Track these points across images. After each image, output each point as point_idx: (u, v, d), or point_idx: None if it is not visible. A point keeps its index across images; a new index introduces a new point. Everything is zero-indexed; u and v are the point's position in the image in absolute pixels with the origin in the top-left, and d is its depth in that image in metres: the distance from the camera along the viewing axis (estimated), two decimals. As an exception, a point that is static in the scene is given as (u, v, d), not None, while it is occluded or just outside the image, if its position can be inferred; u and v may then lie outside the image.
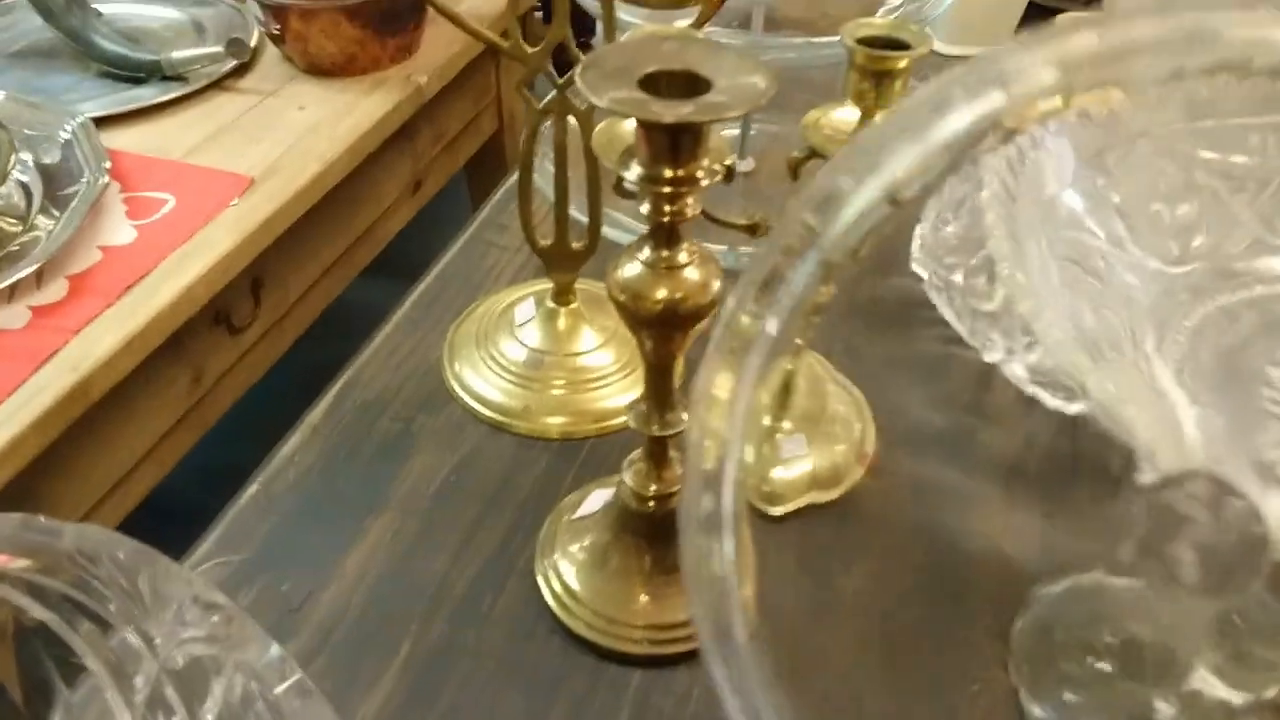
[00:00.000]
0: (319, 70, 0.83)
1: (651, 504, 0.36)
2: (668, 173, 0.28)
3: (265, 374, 0.78)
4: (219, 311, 0.69)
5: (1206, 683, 0.34)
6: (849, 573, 0.41)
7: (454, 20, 0.39)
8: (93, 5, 0.85)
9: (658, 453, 0.36)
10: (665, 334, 0.31)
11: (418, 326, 0.53)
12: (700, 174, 0.28)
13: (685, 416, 0.34)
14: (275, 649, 0.27)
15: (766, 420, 0.45)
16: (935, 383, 0.48)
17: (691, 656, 0.36)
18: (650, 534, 0.37)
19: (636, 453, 0.37)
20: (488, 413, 0.47)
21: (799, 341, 0.45)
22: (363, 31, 0.81)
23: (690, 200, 0.29)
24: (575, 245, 0.46)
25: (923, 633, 0.39)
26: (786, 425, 0.44)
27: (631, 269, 0.31)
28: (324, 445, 0.46)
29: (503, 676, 0.37)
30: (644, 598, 0.37)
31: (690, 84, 0.27)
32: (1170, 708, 0.35)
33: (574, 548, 0.39)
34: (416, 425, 0.47)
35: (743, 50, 0.28)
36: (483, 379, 0.48)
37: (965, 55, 0.79)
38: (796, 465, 0.43)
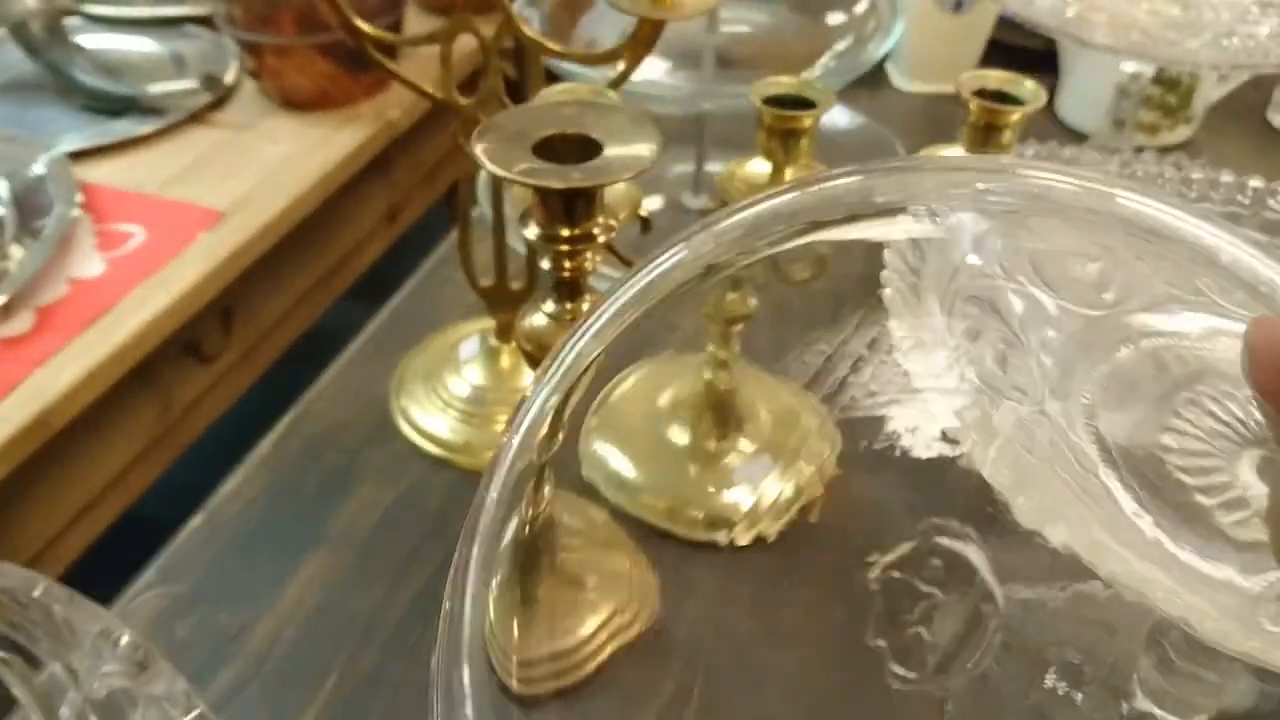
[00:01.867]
0: (294, 105, 0.84)
1: (532, 529, 0.37)
2: (564, 232, 0.30)
3: (243, 400, 0.80)
4: (189, 341, 0.70)
5: (1145, 703, 0.35)
6: (799, 598, 0.41)
7: (384, 69, 0.41)
8: (74, 39, 0.87)
9: (539, 476, 0.36)
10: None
11: (370, 361, 0.55)
12: (596, 230, 0.30)
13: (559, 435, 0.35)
14: (181, 683, 0.28)
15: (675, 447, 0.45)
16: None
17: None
18: (520, 565, 0.38)
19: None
20: (431, 447, 0.48)
21: (723, 355, 0.45)
22: (336, 67, 0.83)
23: (589, 255, 0.31)
24: (514, 285, 0.48)
25: (870, 660, 0.39)
26: (745, 446, 0.44)
27: (537, 320, 0.32)
28: (270, 477, 0.47)
29: (426, 708, 0.38)
30: (516, 632, 0.37)
31: (585, 146, 0.29)
32: None
33: (492, 581, 0.40)
34: (361, 459, 0.48)
35: (636, 116, 0.29)
36: (427, 413, 0.49)
37: (927, 93, 0.80)
38: (763, 490, 0.42)
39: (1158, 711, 0.32)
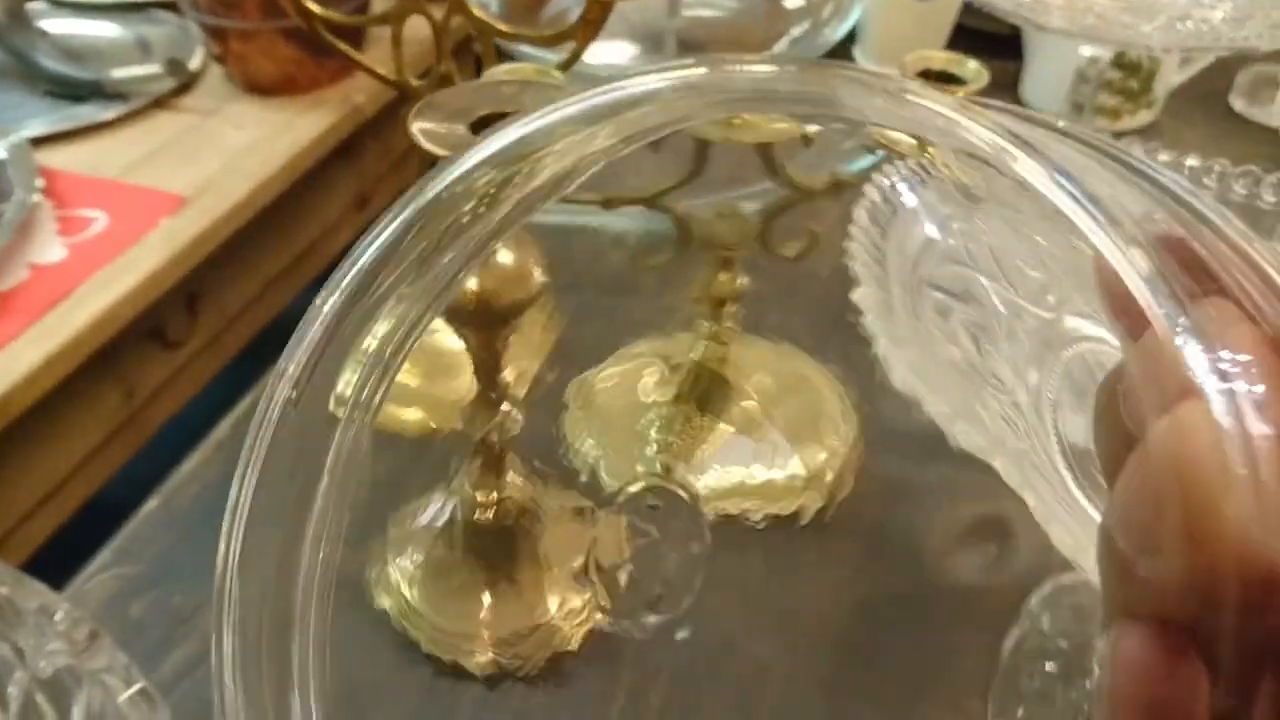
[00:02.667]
0: (259, 90, 0.84)
1: (488, 512, 0.38)
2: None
3: (209, 388, 0.80)
4: (153, 328, 0.70)
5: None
6: (820, 582, 0.39)
7: (338, 50, 0.41)
8: (38, 24, 0.86)
9: (488, 456, 0.37)
10: (484, 330, 0.32)
11: (331, 344, 0.54)
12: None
13: (519, 417, 0.35)
14: (121, 658, 0.28)
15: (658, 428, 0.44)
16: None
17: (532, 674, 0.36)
18: (487, 543, 0.38)
19: (468, 457, 0.37)
20: (393, 424, 0.48)
21: (718, 327, 0.44)
22: (300, 52, 0.82)
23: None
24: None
25: (897, 650, 0.36)
26: (724, 427, 0.43)
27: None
28: (226, 461, 0.47)
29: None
30: (485, 610, 0.38)
31: (523, 125, 0.29)
32: None
33: (414, 557, 0.39)
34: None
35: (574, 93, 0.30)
36: (353, 374, 0.49)
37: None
38: (777, 470, 0.41)
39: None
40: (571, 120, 0.19)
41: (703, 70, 0.18)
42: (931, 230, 0.41)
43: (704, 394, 0.44)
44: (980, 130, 0.15)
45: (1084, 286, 0.39)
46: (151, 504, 0.45)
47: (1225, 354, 0.12)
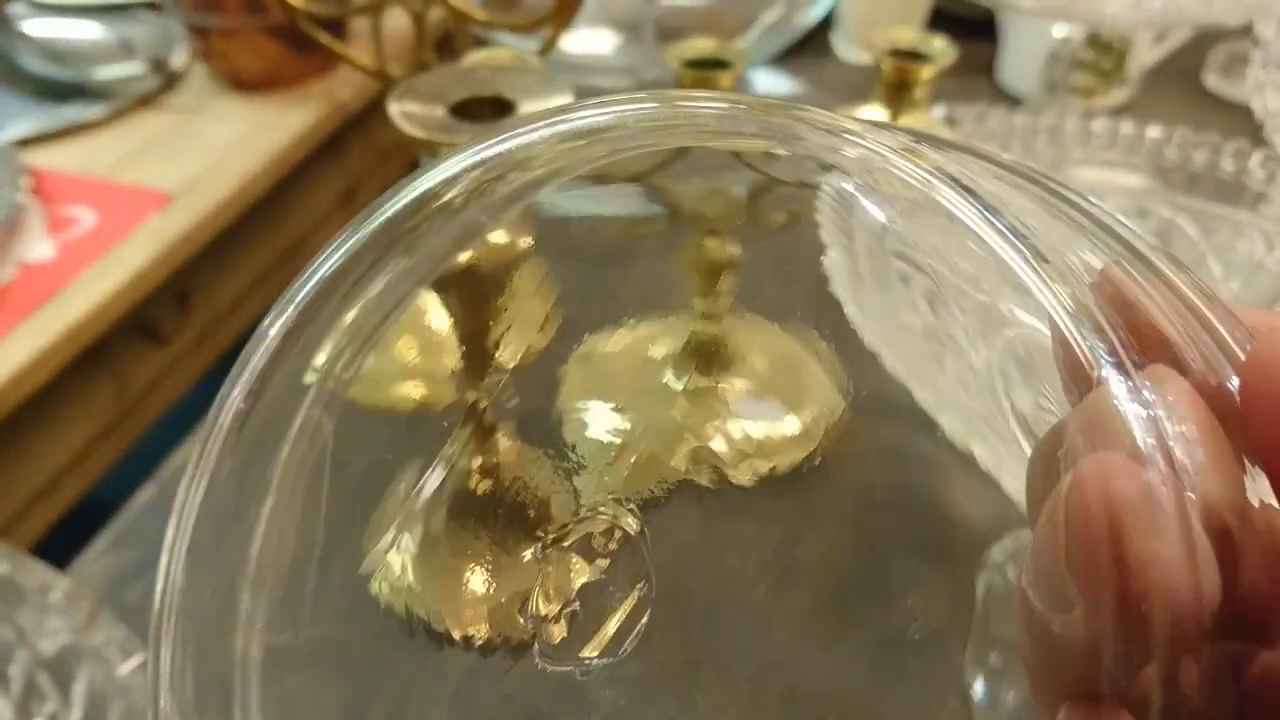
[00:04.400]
0: (243, 87, 0.85)
1: (481, 481, 0.38)
2: (482, 187, 0.31)
3: (201, 384, 0.80)
4: (143, 324, 0.71)
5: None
6: (809, 538, 0.41)
7: (319, 42, 0.41)
8: (19, 26, 0.86)
9: (478, 427, 0.37)
10: (470, 298, 0.33)
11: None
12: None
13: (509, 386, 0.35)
14: (121, 632, 0.29)
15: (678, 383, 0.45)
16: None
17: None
18: (483, 512, 0.39)
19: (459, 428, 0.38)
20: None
21: (708, 306, 0.46)
22: (283, 48, 0.83)
23: (510, 213, 0.32)
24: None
25: (874, 595, 0.39)
26: (739, 384, 0.45)
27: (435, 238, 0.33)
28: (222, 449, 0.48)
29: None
30: (478, 581, 0.38)
31: (500, 107, 0.30)
32: None
33: (409, 530, 0.40)
34: (310, 428, 0.49)
35: (547, 75, 0.30)
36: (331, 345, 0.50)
37: (869, 62, 0.81)
38: (765, 428, 0.43)
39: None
40: (547, 141, 0.19)
41: (654, 105, 0.19)
42: (881, 217, 0.42)
43: (704, 364, 0.46)
44: (913, 170, 0.16)
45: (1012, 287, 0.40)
46: (147, 492, 0.46)
47: (1148, 392, 0.11)
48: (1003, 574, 0.36)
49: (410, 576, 0.40)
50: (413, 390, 0.46)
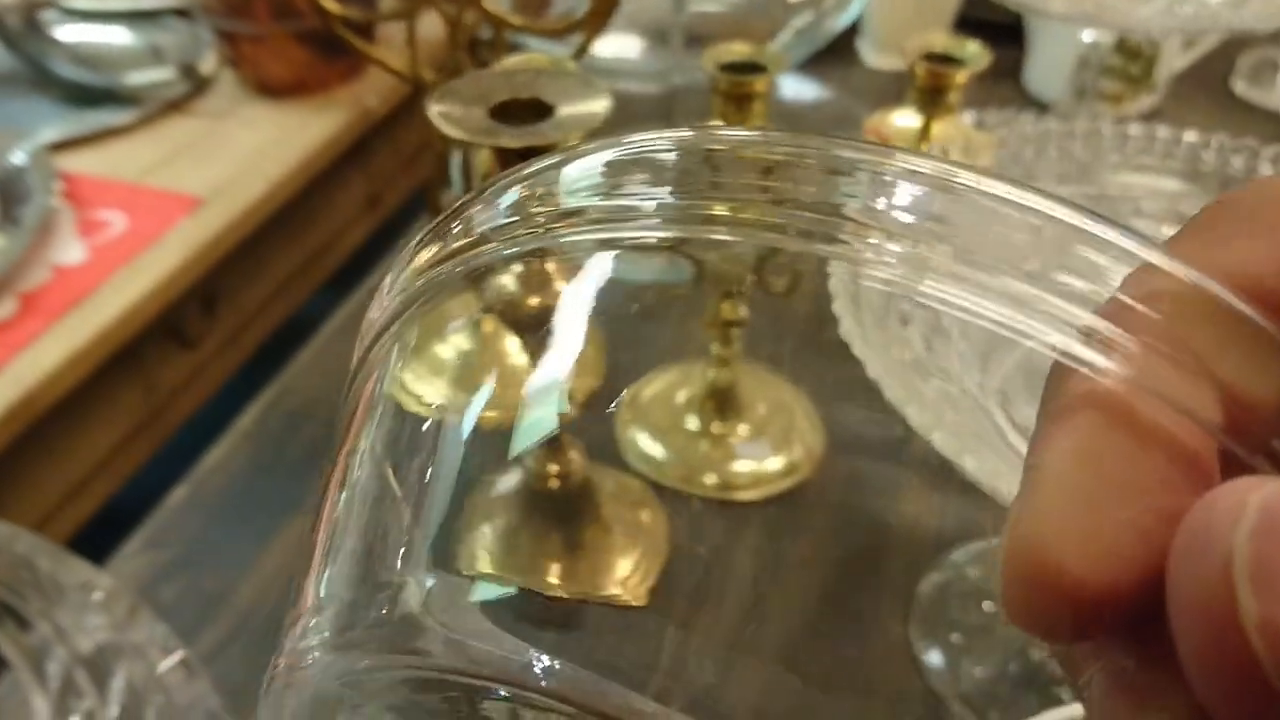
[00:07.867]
0: (271, 92, 0.85)
1: (554, 482, 0.39)
2: (522, 191, 0.31)
3: (228, 386, 0.81)
4: (172, 327, 0.71)
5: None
6: (786, 555, 0.44)
7: (353, 46, 0.42)
8: (51, 32, 0.87)
9: (551, 437, 0.39)
10: (543, 339, 0.34)
11: (349, 336, 0.55)
12: (554, 191, 0.31)
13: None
14: (161, 629, 0.29)
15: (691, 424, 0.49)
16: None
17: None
18: (556, 513, 0.40)
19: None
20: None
21: (723, 353, 0.49)
22: (311, 54, 0.84)
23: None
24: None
25: (833, 601, 0.42)
26: (742, 430, 0.49)
27: (506, 281, 0.34)
28: (252, 450, 0.49)
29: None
30: (554, 569, 0.40)
31: (539, 110, 0.30)
32: (1044, 649, 0.38)
33: (484, 529, 0.42)
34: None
35: (586, 78, 0.31)
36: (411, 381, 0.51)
37: (896, 68, 0.82)
38: (762, 462, 0.47)
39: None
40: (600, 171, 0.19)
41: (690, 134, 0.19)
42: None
43: (716, 408, 0.50)
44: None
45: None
46: (180, 492, 0.46)
47: None
48: (962, 574, 0.39)
49: (490, 562, 0.41)
50: (493, 414, 0.48)
